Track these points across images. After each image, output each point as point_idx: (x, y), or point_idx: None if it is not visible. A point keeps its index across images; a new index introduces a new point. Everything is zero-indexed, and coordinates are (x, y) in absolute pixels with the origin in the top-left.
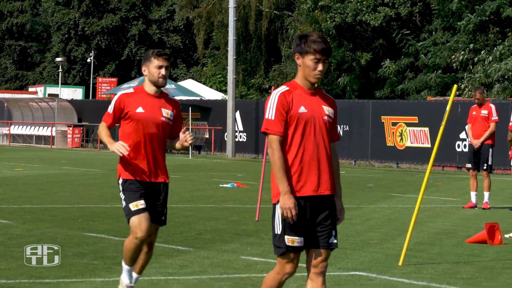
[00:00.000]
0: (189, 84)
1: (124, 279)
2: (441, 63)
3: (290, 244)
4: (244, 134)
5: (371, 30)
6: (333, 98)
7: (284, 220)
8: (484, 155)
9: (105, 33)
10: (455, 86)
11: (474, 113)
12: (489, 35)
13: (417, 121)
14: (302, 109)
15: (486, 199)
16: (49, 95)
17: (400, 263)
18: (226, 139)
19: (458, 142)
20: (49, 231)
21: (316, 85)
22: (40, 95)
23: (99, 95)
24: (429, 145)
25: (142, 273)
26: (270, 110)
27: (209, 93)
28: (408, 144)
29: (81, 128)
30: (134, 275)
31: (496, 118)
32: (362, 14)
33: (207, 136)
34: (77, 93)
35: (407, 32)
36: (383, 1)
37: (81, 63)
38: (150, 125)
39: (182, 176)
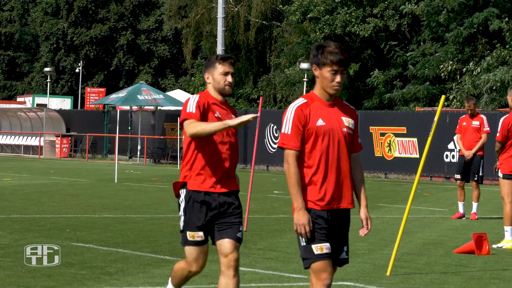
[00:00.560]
0: (178, 94)
1: None
2: (429, 74)
3: (319, 252)
4: None
5: (360, 41)
6: (353, 108)
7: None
8: (476, 166)
9: (93, 43)
10: (443, 96)
11: (464, 123)
12: (478, 46)
13: (405, 132)
14: (320, 122)
15: (474, 209)
16: (37, 105)
17: (388, 273)
18: None
19: (446, 153)
20: (37, 241)
21: (335, 96)
22: (29, 105)
23: (88, 105)
24: (418, 156)
25: (130, 283)
26: (287, 124)
27: None
28: (397, 154)
29: (70, 138)
30: None
31: (488, 129)
32: (351, 25)
33: None
34: (65, 103)
35: (395, 43)
36: (372, 12)
37: (69, 73)
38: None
39: (171, 187)
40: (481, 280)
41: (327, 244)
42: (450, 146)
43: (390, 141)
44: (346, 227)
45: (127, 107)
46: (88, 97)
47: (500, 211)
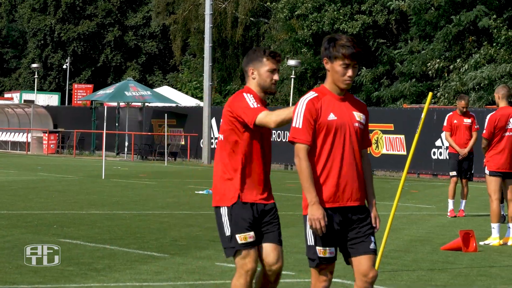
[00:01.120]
0: (165, 91)
1: None
2: (416, 71)
3: (322, 255)
4: None
5: None
6: (364, 103)
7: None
8: (470, 164)
9: (81, 39)
10: (430, 93)
11: (455, 121)
12: (465, 44)
13: (392, 129)
14: (331, 116)
15: (462, 206)
16: (25, 101)
17: None
18: (202, 145)
19: (433, 150)
20: (24, 237)
21: (346, 91)
22: (16, 101)
23: (75, 102)
24: (405, 153)
25: (117, 279)
26: (298, 118)
27: (185, 100)
28: (384, 151)
29: (57, 134)
30: None
31: (478, 126)
32: (339, 22)
33: (183, 142)
34: (53, 99)
35: (383, 41)
36: (360, 9)
37: (57, 69)
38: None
39: (158, 183)
40: (468, 277)
41: (332, 249)
42: (438, 143)
43: (377, 138)
44: (365, 220)
45: (115, 104)
46: (75, 94)
47: (487, 208)
